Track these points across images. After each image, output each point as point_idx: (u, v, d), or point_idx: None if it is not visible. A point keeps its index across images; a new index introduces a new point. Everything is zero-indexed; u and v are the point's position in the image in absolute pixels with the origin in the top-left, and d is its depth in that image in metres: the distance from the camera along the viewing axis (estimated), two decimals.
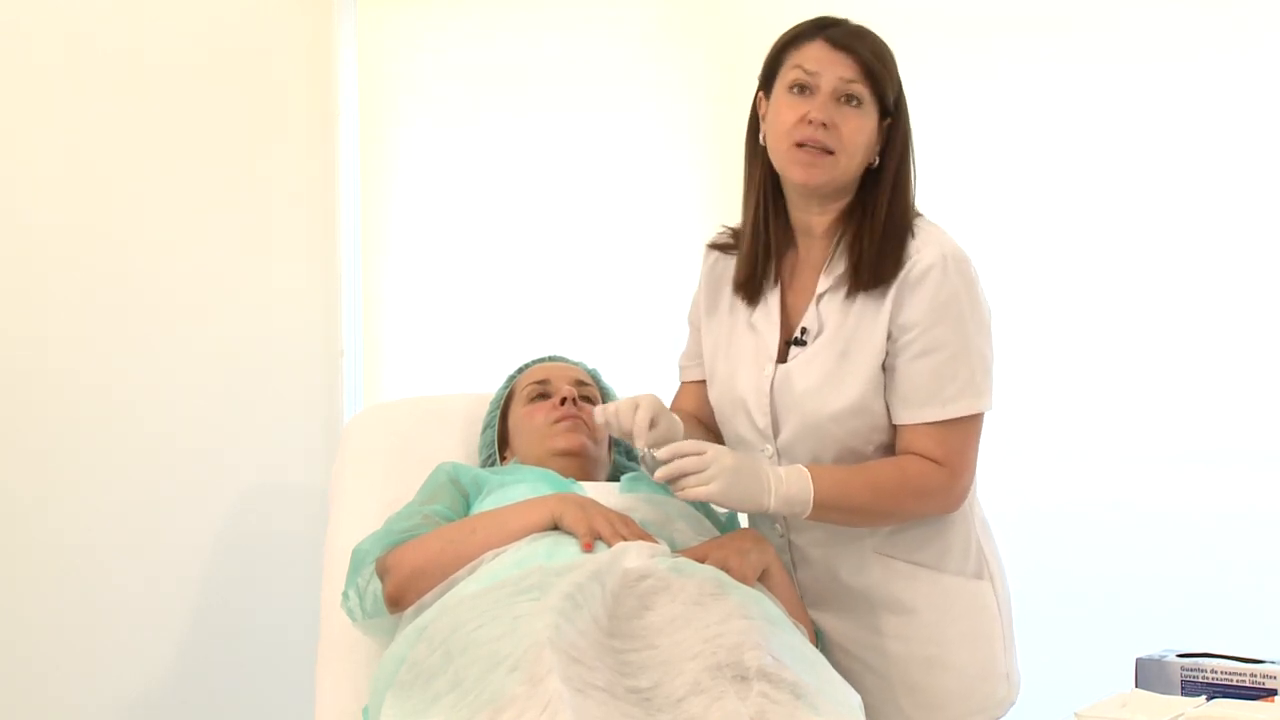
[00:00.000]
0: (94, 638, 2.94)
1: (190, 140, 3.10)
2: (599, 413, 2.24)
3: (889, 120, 2.19)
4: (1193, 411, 3.01)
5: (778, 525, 2.32)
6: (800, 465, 2.15)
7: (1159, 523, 3.03)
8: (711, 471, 2.07)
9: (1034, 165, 3.11)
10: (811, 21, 2.20)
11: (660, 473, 2.08)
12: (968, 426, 2.19)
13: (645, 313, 3.37)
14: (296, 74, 3.30)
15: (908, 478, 2.18)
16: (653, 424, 2.19)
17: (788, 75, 2.19)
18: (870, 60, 2.16)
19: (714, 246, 2.39)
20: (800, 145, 2.16)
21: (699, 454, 2.08)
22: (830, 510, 2.15)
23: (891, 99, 2.18)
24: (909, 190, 2.21)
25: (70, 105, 2.93)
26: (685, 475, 2.08)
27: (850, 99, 2.16)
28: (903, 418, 2.19)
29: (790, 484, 2.12)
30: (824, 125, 2.15)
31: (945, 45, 3.13)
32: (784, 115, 2.18)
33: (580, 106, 3.40)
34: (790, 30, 2.22)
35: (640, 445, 2.18)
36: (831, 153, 2.16)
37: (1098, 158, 3.06)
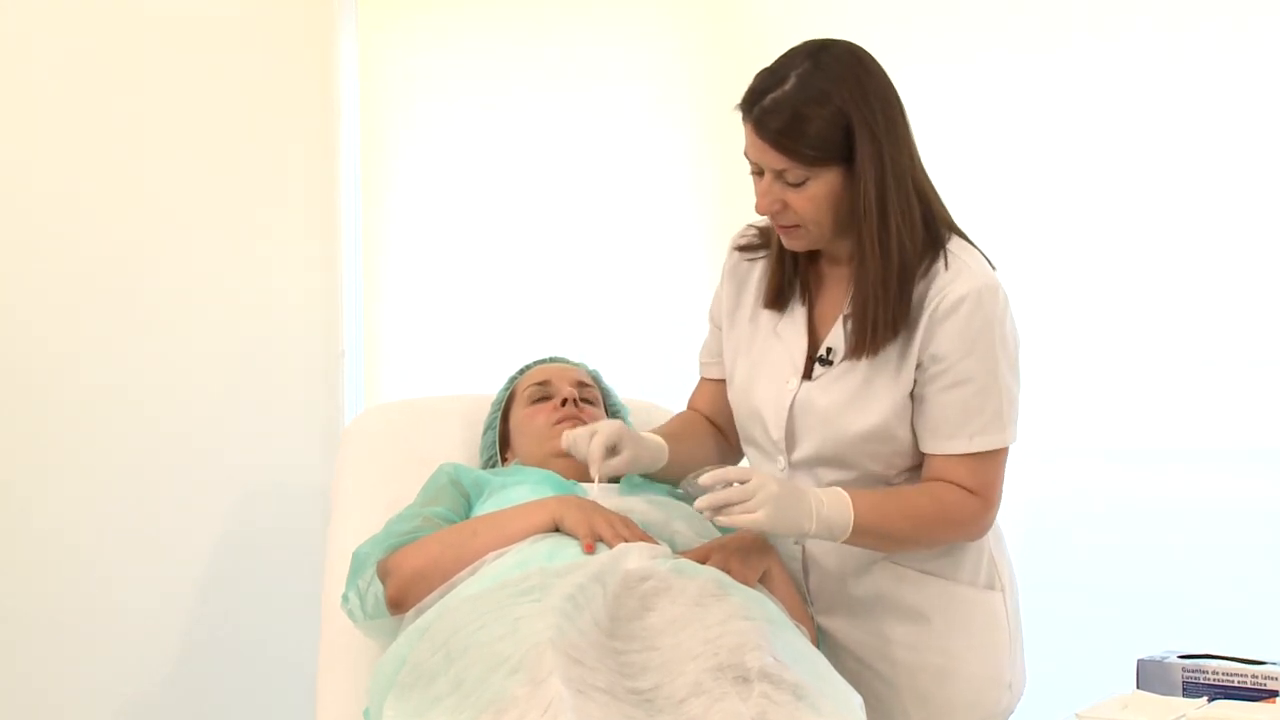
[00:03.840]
0: (94, 638, 2.94)
1: (191, 140, 3.10)
2: (565, 438, 2.21)
3: (855, 163, 2.07)
4: (1195, 410, 3.01)
5: None
6: (839, 489, 2.12)
7: (1160, 523, 3.03)
8: (757, 500, 2.02)
9: (1026, 159, 3.11)
10: (746, 94, 2.10)
11: (702, 502, 2.04)
12: (997, 458, 2.18)
13: (647, 313, 3.37)
14: (297, 74, 3.30)
15: (944, 507, 2.16)
16: (613, 451, 2.17)
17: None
18: (793, 145, 2.05)
19: (739, 248, 2.35)
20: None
21: (743, 482, 2.04)
22: (867, 536, 2.13)
23: (843, 148, 2.07)
24: (894, 235, 2.10)
25: (70, 105, 2.93)
26: (730, 505, 2.03)
27: (789, 184, 2.09)
28: (931, 447, 2.18)
29: (831, 508, 2.09)
30: (779, 207, 2.12)
31: (940, 42, 3.14)
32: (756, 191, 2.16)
33: (582, 107, 3.40)
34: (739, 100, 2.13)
35: (594, 473, 2.16)
36: (798, 225, 2.13)
37: (1093, 152, 3.06)
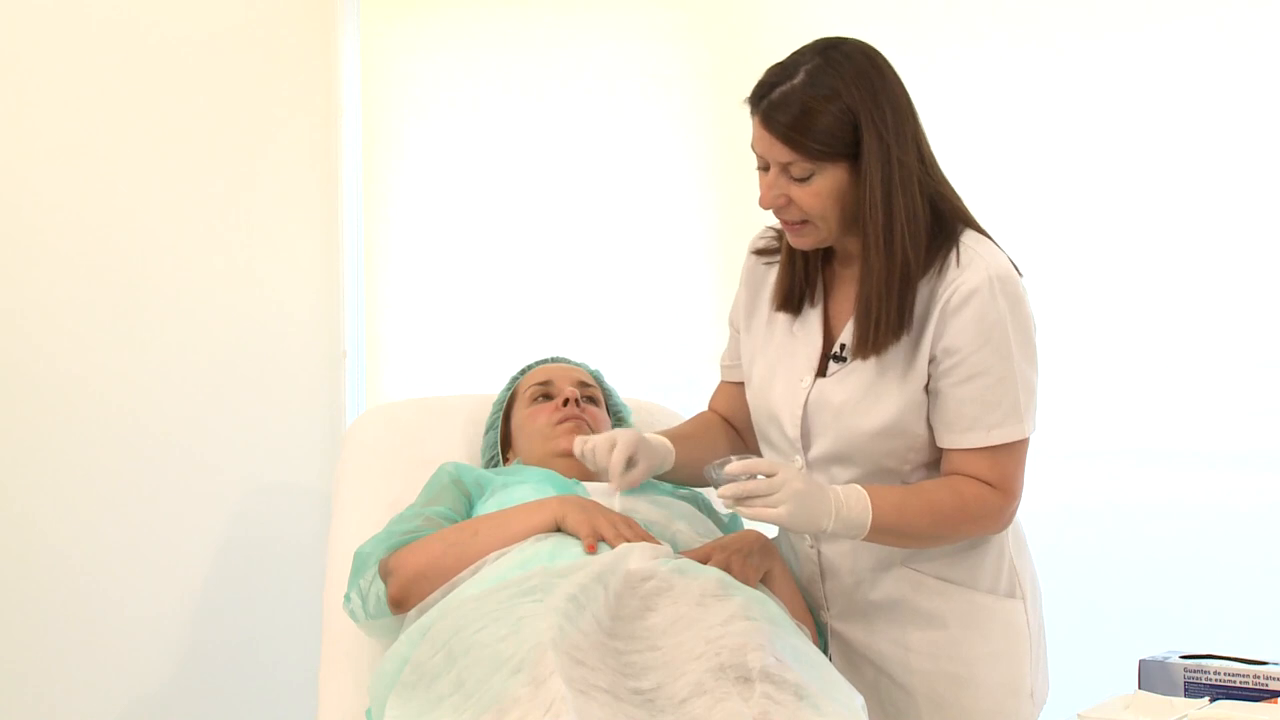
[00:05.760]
0: (96, 639, 2.94)
1: (193, 141, 3.10)
2: (578, 444, 2.22)
3: (861, 161, 2.07)
4: (1196, 411, 3.01)
5: (807, 536, 2.29)
6: (858, 486, 2.11)
7: (1162, 523, 3.03)
8: (781, 495, 2.01)
9: (1028, 160, 3.10)
10: (754, 88, 2.10)
11: (724, 490, 2.02)
12: (1017, 450, 2.15)
13: (649, 314, 3.37)
14: (299, 76, 3.31)
15: (965, 502, 2.13)
16: (631, 463, 2.18)
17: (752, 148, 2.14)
18: (800, 139, 2.04)
19: (756, 252, 2.34)
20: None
21: (770, 475, 2.03)
22: (886, 534, 2.11)
23: (850, 145, 2.06)
24: (898, 237, 2.09)
25: (71, 106, 2.94)
26: (753, 497, 2.02)
27: (795, 178, 2.09)
28: (948, 441, 2.16)
29: (850, 506, 2.07)
30: (784, 202, 2.11)
31: (941, 40, 3.14)
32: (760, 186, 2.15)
33: (584, 108, 3.40)
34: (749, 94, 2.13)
35: (614, 486, 2.16)
36: (804, 221, 2.13)
37: (1096, 153, 3.06)
